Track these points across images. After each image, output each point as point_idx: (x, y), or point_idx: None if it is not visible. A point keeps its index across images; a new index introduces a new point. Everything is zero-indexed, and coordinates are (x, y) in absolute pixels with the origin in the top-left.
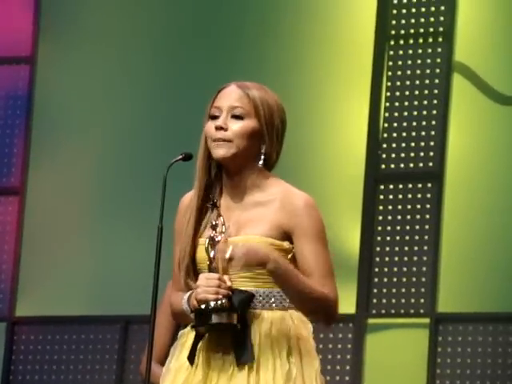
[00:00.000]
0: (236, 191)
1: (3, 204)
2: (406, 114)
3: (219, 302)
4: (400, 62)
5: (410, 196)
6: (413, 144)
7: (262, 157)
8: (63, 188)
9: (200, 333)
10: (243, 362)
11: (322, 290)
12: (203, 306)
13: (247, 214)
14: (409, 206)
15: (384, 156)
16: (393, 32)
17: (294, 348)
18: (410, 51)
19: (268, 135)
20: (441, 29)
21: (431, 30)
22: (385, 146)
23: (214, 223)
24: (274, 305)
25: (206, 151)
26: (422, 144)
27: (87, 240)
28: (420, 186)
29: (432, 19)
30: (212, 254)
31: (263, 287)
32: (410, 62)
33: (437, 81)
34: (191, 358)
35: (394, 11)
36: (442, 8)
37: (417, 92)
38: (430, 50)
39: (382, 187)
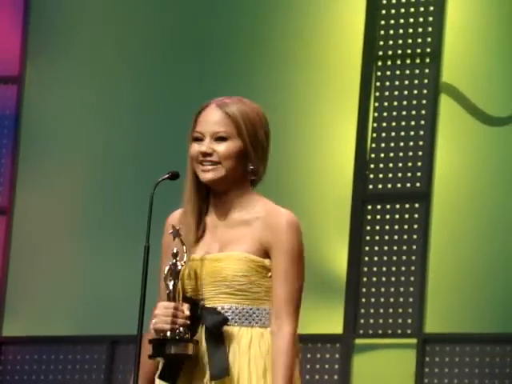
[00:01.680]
0: (222, 209)
1: None
2: (393, 134)
3: (177, 332)
4: (387, 83)
5: (397, 216)
6: (400, 164)
7: (250, 174)
8: (50, 207)
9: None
10: (216, 377)
11: (285, 339)
12: (159, 336)
13: (231, 232)
14: (396, 227)
15: (371, 176)
16: (380, 53)
17: (271, 365)
18: (398, 72)
19: (254, 151)
20: (428, 50)
21: (418, 50)
22: (372, 166)
23: (175, 251)
24: (253, 322)
25: (194, 173)
26: (410, 164)
27: (74, 260)
28: (407, 206)
29: (419, 40)
30: (171, 283)
31: (244, 304)
32: (397, 83)
33: (424, 101)
34: (170, 378)
35: (382, 32)
36: (430, 29)
37: (404, 112)
38: (417, 71)
39: (369, 207)
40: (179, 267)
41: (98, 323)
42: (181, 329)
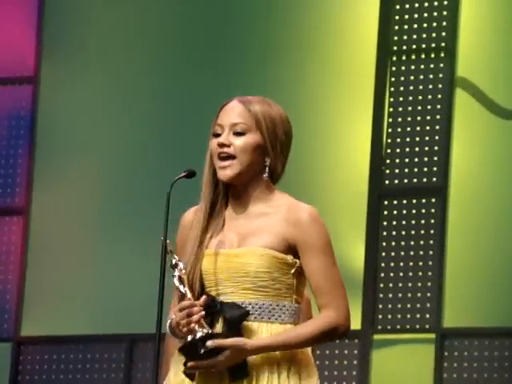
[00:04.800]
0: (241, 203)
1: (8, 224)
2: (409, 129)
3: (197, 330)
4: (402, 78)
5: (414, 211)
6: (416, 159)
7: (267, 169)
8: (67, 207)
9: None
10: (237, 378)
11: (323, 319)
12: (185, 342)
13: (251, 224)
14: (413, 222)
15: (388, 171)
16: (395, 48)
17: (292, 362)
18: (413, 67)
19: (272, 148)
20: (443, 44)
21: (433, 45)
22: (388, 161)
23: (173, 262)
24: (273, 318)
25: (212, 168)
26: (426, 159)
27: (91, 259)
28: (424, 201)
29: (434, 35)
30: (183, 289)
31: (264, 300)
32: (412, 78)
33: (439, 96)
34: (190, 374)
35: (396, 27)
36: (444, 23)
37: (419, 107)
38: (432, 66)
39: (386, 203)
40: (183, 276)
41: (116, 322)
42: (197, 327)
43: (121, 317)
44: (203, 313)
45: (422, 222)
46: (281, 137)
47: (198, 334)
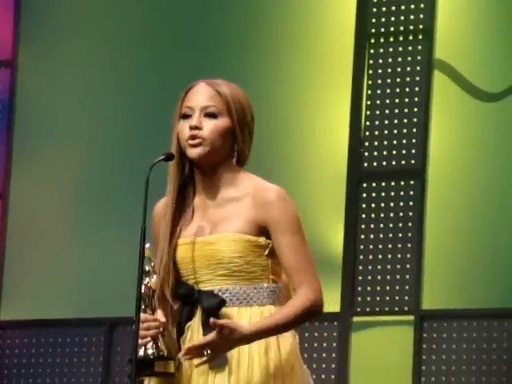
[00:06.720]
0: (210, 189)
1: None
2: (387, 112)
3: (152, 347)
4: (381, 60)
5: (392, 194)
6: (395, 142)
7: (235, 154)
8: (46, 191)
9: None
10: (215, 366)
11: (302, 298)
12: (140, 354)
13: (221, 210)
14: (392, 204)
15: (366, 154)
16: (373, 30)
17: (272, 344)
18: (391, 49)
19: (240, 132)
20: (421, 26)
21: (411, 27)
22: (367, 144)
23: (147, 269)
24: (252, 301)
25: (178, 150)
26: (404, 142)
27: (71, 243)
28: (403, 183)
29: (412, 17)
30: (147, 302)
31: (241, 284)
32: (390, 60)
33: (418, 78)
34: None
35: (374, 9)
36: (422, 6)
37: (398, 90)
38: (410, 48)
39: (364, 185)
40: (153, 287)
41: (96, 306)
42: (151, 344)
43: (100, 300)
44: (161, 329)
45: (401, 204)
46: (248, 121)
47: (149, 352)
